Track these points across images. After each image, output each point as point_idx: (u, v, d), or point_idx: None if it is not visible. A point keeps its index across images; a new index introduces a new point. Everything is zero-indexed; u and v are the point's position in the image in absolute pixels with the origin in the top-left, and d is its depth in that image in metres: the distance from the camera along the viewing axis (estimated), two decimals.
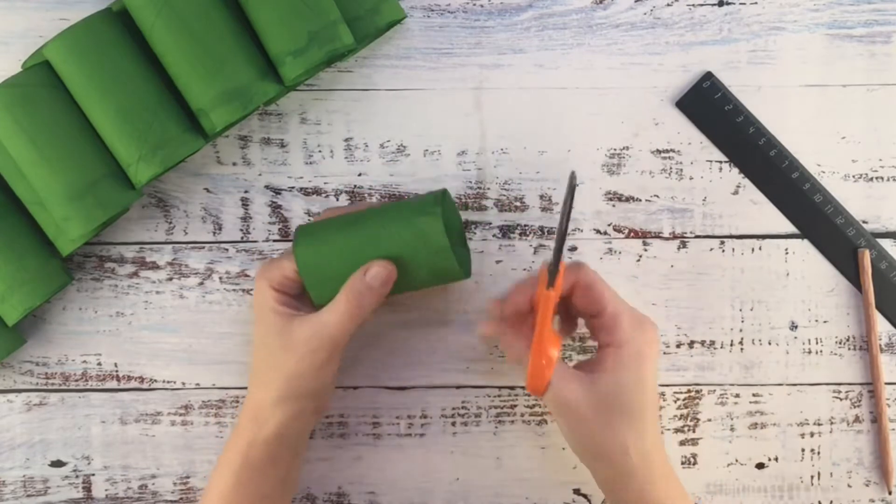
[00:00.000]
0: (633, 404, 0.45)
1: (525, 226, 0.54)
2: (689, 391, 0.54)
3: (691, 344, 0.54)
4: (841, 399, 0.54)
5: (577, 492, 0.54)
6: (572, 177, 0.45)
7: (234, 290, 0.54)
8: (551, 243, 0.54)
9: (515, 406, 0.54)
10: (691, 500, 0.48)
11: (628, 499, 0.46)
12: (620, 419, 0.45)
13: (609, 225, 0.54)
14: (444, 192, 0.49)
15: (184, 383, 0.54)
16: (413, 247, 0.46)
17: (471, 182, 0.54)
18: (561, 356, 0.46)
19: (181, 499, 0.54)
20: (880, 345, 0.54)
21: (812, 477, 0.54)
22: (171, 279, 0.54)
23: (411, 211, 0.47)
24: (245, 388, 0.54)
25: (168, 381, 0.54)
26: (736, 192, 0.54)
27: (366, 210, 0.48)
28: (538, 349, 0.45)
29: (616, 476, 0.46)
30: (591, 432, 0.45)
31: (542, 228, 0.54)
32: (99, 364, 0.54)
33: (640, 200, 0.54)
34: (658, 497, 0.46)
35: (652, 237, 0.54)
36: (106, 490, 0.54)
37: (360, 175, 0.54)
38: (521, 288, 0.47)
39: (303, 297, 0.48)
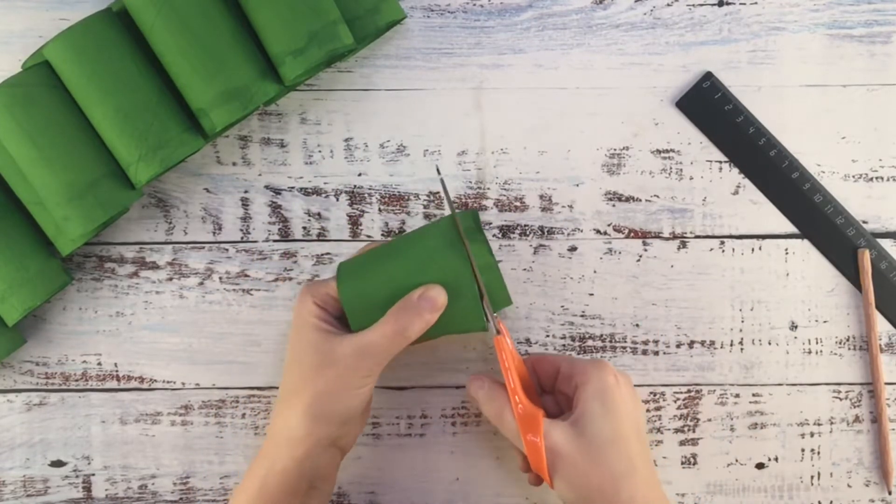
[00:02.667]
0: (614, 434, 0.45)
1: (525, 226, 0.54)
2: (689, 391, 0.54)
3: (691, 344, 0.54)
4: (841, 399, 0.54)
5: None
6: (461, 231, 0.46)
7: (234, 290, 0.54)
8: (552, 243, 0.54)
9: None
10: None
11: None
12: (605, 451, 0.45)
13: (609, 225, 0.54)
14: (476, 214, 0.48)
15: (184, 383, 0.54)
16: (459, 272, 0.46)
17: (471, 182, 0.54)
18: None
19: (181, 499, 0.54)
20: (880, 345, 0.54)
21: (812, 477, 0.54)
22: (171, 279, 0.54)
23: (453, 237, 0.46)
24: (245, 388, 0.54)
25: (168, 381, 0.54)
26: (736, 192, 0.54)
27: (404, 238, 0.48)
28: (525, 426, 0.46)
29: None
30: (583, 473, 0.45)
31: (542, 228, 0.54)
32: (99, 364, 0.54)
33: (640, 200, 0.54)
34: None
35: (652, 237, 0.54)
36: (106, 490, 0.54)
37: (360, 175, 0.54)
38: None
39: (344, 320, 0.48)
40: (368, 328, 0.46)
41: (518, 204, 0.54)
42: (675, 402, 0.54)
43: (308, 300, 0.47)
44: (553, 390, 0.50)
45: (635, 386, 0.54)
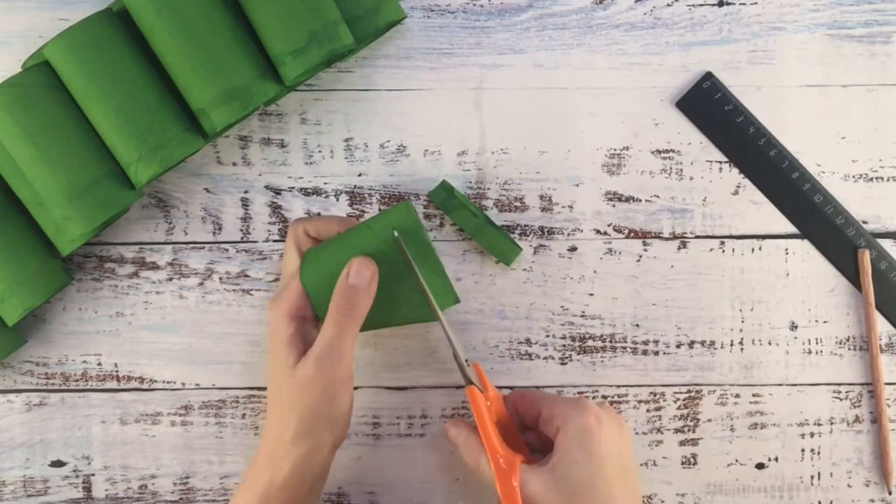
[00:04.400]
0: (595, 480, 0.43)
1: (525, 226, 0.54)
2: (689, 391, 0.54)
3: (691, 344, 0.54)
4: (841, 399, 0.54)
5: None
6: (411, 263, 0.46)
7: (234, 290, 0.54)
8: (552, 243, 0.54)
9: None
10: None
11: None
12: (585, 498, 0.43)
13: (609, 225, 0.54)
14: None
15: (184, 383, 0.54)
16: (388, 237, 0.46)
17: (471, 182, 0.54)
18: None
19: (181, 499, 0.54)
20: (880, 345, 0.54)
21: (812, 477, 0.54)
22: (171, 279, 0.54)
23: (386, 210, 0.47)
24: (245, 388, 0.54)
25: (168, 382, 0.54)
26: (736, 192, 0.54)
27: (360, 225, 0.48)
28: (502, 476, 0.45)
29: None
30: None
31: (542, 228, 0.54)
32: (99, 364, 0.54)
33: (640, 200, 0.54)
34: None
35: (652, 237, 0.54)
36: (106, 490, 0.54)
37: (360, 175, 0.54)
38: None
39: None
40: (320, 332, 0.46)
41: (518, 204, 0.54)
42: (675, 402, 0.54)
43: (281, 317, 0.46)
44: (535, 427, 0.48)
45: (635, 386, 0.54)
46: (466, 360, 0.48)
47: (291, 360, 0.45)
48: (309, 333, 0.47)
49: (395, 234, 0.46)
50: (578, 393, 0.54)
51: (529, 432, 0.49)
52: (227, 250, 0.54)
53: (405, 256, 0.46)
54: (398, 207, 0.46)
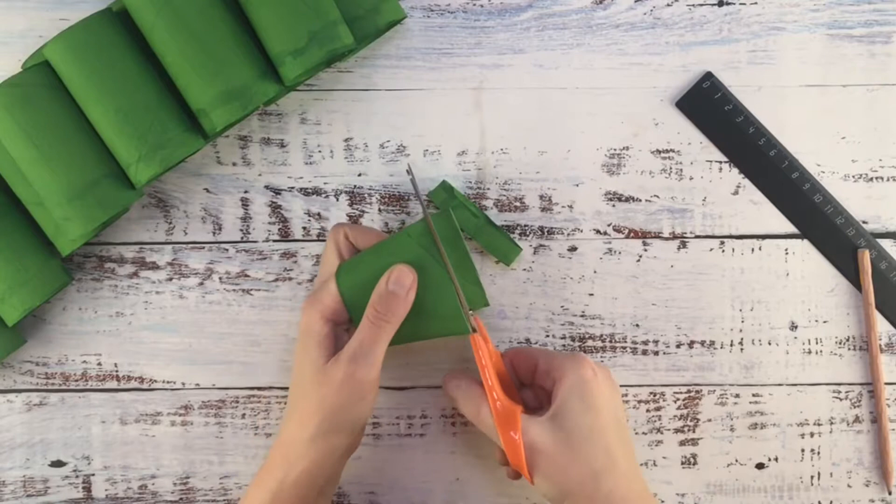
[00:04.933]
0: (592, 429, 0.45)
1: (525, 226, 0.54)
2: (689, 391, 0.54)
3: (691, 344, 0.54)
4: (841, 399, 0.54)
5: None
6: (430, 227, 0.47)
7: (234, 290, 0.54)
8: (551, 243, 0.54)
9: None
10: None
11: None
12: (584, 446, 0.44)
13: (609, 225, 0.54)
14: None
15: (184, 383, 0.54)
16: (439, 275, 0.47)
17: (471, 182, 0.54)
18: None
19: (181, 499, 0.54)
20: (880, 345, 0.54)
21: (812, 477, 0.54)
22: (171, 279, 0.54)
23: (430, 240, 0.47)
24: (245, 388, 0.54)
25: (168, 381, 0.54)
26: (736, 192, 0.54)
27: (395, 236, 0.49)
28: (503, 423, 0.46)
29: None
30: (562, 469, 0.45)
31: (542, 228, 0.54)
32: (99, 364, 0.54)
33: (640, 200, 0.54)
34: None
35: (652, 237, 0.54)
36: (106, 490, 0.54)
37: (360, 175, 0.54)
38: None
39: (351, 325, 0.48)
40: (354, 334, 0.46)
41: (518, 204, 0.54)
42: (675, 402, 0.54)
43: (315, 314, 0.47)
44: (532, 384, 0.50)
45: (635, 386, 0.54)
46: (472, 313, 0.48)
47: (322, 360, 0.46)
48: (341, 338, 0.47)
49: (432, 223, 0.47)
50: None
51: (525, 390, 0.50)
52: (227, 250, 0.54)
53: (441, 255, 0.47)
54: (438, 216, 0.47)
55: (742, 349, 0.54)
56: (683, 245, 0.54)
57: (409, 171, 0.50)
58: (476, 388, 0.48)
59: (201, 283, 0.54)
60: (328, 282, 0.48)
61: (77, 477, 0.54)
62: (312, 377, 0.46)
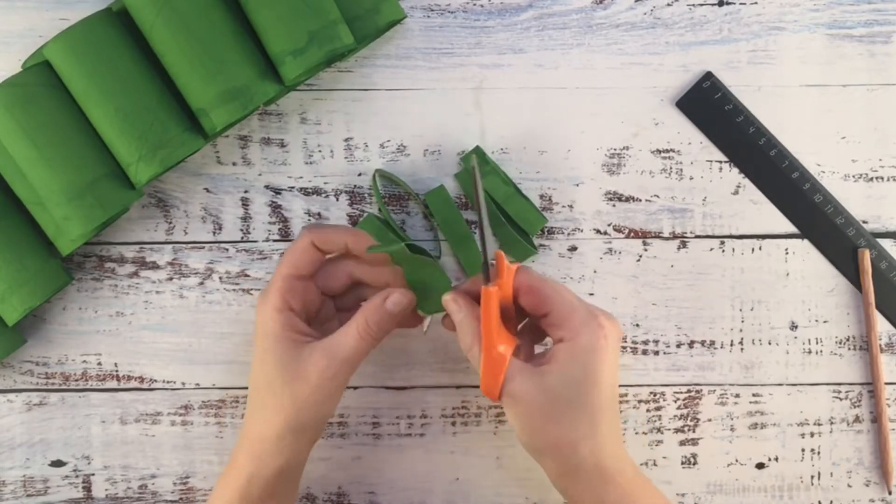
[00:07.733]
0: (584, 399, 0.43)
1: None
2: (689, 391, 0.54)
3: (691, 344, 0.54)
4: (841, 399, 0.54)
5: None
6: (473, 164, 0.44)
7: (234, 290, 0.54)
8: (551, 243, 0.54)
9: None
10: (659, 499, 0.45)
11: (582, 498, 0.44)
12: (568, 413, 0.43)
13: (609, 225, 0.54)
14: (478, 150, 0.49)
15: (184, 383, 0.54)
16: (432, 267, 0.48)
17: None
18: (514, 352, 0.44)
19: (181, 499, 0.54)
20: (880, 345, 0.54)
21: (812, 477, 0.54)
22: (171, 279, 0.54)
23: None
24: (245, 388, 0.54)
25: (168, 381, 0.54)
26: (736, 192, 0.54)
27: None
28: (488, 350, 0.44)
29: (565, 472, 0.44)
30: (539, 427, 0.43)
31: (542, 228, 0.54)
32: (99, 364, 0.54)
33: (640, 200, 0.54)
34: (612, 496, 0.43)
35: (652, 237, 0.54)
36: (106, 490, 0.54)
37: (360, 175, 0.54)
38: (476, 280, 0.46)
39: (311, 320, 0.48)
40: (338, 332, 0.46)
41: None
42: (675, 402, 0.54)
43: (268, 311, 0.46)
44: (538, 318, 0.46)
45: (635, 386, 0.54)
46: (492, 262, 0.45)
47: (287, 355, 0.45)
48: (297, 324, 0.47)
49: (474, 164, 0.44)
50: None
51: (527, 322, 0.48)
52: (227, 250, 0.54)
53: (479, 214, 0.44)
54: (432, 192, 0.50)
55: (742, 349, 0.54)
56: (683, 245, 0.54)
57: (472, 167, 0.44)
58: (473, 322, 0.45)
59: (201, 283, 0.54)
60: (274, 277, 0.47)
61: (77, 477, 0.54)
62: (280, 373, 0.45)
